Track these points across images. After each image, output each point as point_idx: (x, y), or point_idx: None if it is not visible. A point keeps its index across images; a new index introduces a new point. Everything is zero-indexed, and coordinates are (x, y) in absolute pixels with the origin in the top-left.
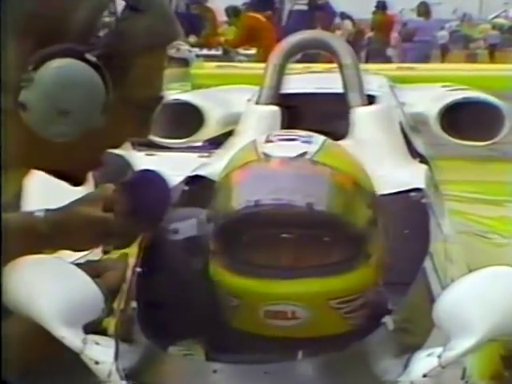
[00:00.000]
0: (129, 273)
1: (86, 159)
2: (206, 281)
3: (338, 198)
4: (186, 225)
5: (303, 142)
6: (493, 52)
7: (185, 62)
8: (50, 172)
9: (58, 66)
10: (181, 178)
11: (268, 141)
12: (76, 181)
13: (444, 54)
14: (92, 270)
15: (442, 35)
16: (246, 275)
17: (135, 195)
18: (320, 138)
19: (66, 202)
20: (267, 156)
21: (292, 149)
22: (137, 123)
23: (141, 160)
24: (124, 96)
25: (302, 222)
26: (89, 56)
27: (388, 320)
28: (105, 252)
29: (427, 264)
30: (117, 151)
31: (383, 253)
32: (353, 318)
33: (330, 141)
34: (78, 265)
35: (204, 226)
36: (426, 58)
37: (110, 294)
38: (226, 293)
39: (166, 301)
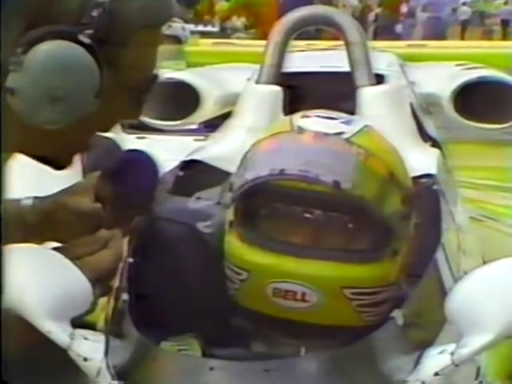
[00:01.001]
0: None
1: (73, 143)
2: (206, 269)
3: (369, 182)
4: (207, 193)
5: (342, 122)
6: (505, 28)
7: (176, 40)
8: (32, 156)
9: (50, 49)
10: (175, 163)
11: (305, 116)
12: (60, 165)
13: (464, 30)
14: (83, 246)
15: (464, 11)
16: (259, 247)
17: (120, 179)
18: (361, 122)
19: (54, 188)
20: (301, 129)
21: (329, 126)
22: (129, 104)
23: (131, 143)
24: (117, 77)
25: (326, 201)
26: (82, 37)
27: (397, 314)
28: None
29: (439, 255)
30: (106, 134)
31: (410, 255)
32: (367, 314)
33: (371, 127)
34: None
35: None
36: (439, 36)
37: (107, 276)
38: (236, 265)
39: (159, 292)
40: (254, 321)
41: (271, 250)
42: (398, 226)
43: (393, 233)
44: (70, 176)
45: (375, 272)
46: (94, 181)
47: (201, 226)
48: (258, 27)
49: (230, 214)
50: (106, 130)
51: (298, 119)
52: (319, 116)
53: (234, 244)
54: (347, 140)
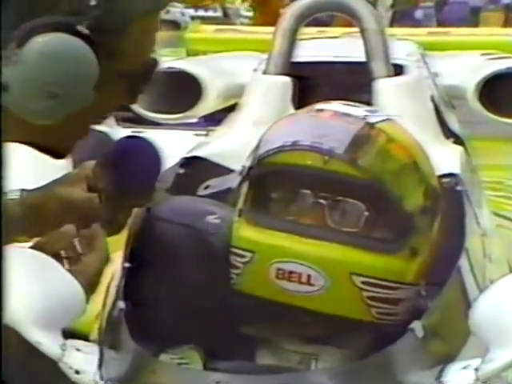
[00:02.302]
0: (114, 266)
1: (72, 131)
2: (208, 275)
3: (388, 166)
4: (216, 181)
5: (367, 110)
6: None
7: (175, 25)
8: (31, 145)
9: (47, 42)
10: (175, 160)
11: (328, 102)
12: (59, 153)
13: (507, 17)
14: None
15: None
16: (264, 228)
17: (119, 166)
18: (386, 114)
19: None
20: (320, 109)
21: (352, 110)
22: (127, 93)
23: None
24: (115, 66)
25: (340, 179)
26: (80, 28)
27: (417, 326)
28: None
29: (463, 262)
30: (99, 127)
31: (432, 259)
32: (378, 310)
33: (395, 120)
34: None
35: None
36: (465, 22)
37: (94, 282)
38: (240, 248)
39: (158, 300)
40: (256, 310)
41: (277, 230)
42: (418, 220)
43: (412, 227)
44: (63, 167)
45: (389, 265)
46: (86, 171)
47: (210, 218)
48: (265, 12)
49: (239, 203)
50: (104, 118)
51: (319, 104)
52: (342, 103)
53: (241, 229)
54: (369, 123)
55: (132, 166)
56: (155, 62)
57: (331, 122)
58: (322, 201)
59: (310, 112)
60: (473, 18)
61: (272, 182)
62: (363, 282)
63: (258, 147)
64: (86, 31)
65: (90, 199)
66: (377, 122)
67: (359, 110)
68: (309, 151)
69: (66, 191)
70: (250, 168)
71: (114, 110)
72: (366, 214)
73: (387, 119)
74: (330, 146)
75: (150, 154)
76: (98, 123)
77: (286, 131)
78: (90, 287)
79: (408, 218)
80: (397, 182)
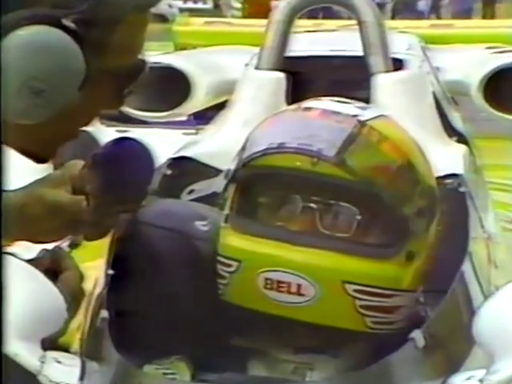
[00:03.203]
0: (97, 273)
1: (54, 134)
2: (196, 281)
3: (381, 166)
4: (201, 185)
5: (358, 107)
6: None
7: (161, 18)
8: (13, 148)
9: (29, 35)
10: (161, 161)
11: (316, 99)
12: (42, 158)
13: None
14: (48, 266)
15: None
16: (251, 235)
17: (112, 170)
18: (379, 110)
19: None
20: (308, 107)
21: (342, 107)
22: (113, 94)
23: (110, 137)
24: (103, 64)
25: (330, 182)
26: (66, 22)
27: (417, 335)
28: (72, 245)
29: (466, 267)
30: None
31: (431, 264)
32: (373, 319)
33: (390, 117)
34: (29, 261)
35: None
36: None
37: (73, 301)
38: (225, 256)
39: (143, 309)
40: (245, 321)
41: (264, 237)
42: (414, 223)
43: (408, 230)
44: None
45: (383, 271)
46: (72, 171)
47: (198, 224)
48: (254, 2)
49: (226, 208)
50: (89, 121)
51: (308, 102)
52: (333, 100)
53: (227, 236)
54: (359, 121)
55: (124, 169)
56: (143, 63)
57: (319, 122)
58: (311, 205)
59: (297, 111)
60: (487, 10)
61: (259, 186)
62: (356, 291)
63: (243, 149)
64: (73, 25)
65: (76, 202)
66: (368, 120)
67: (350, 107)
68: (296, 154)
69: (50, 193)
70: (236, 171)
71: (99, 114)
72: (359, 217)
73: (380, 116)
74: (318, 147)
75: (143, 156)
76: (83, 126)
77: (272, 132)
78: (74, 303)
79: (403, 221)
80: (390, 184)
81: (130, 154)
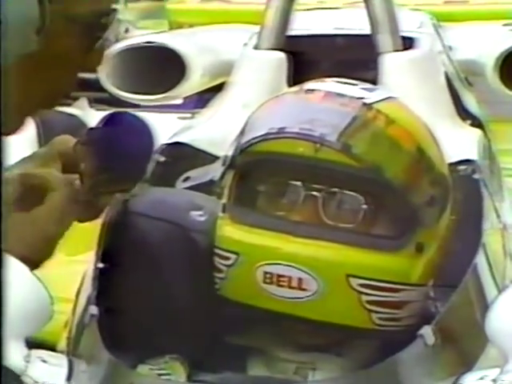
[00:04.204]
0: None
1: (21, 100)
2: (192, 276)
3: (388, 152)
4: (197, 172)
5: (364, 88)
6: None
7: None
8: None
9: None
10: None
11: (320, 81)
12: (5, 130)
13: None
14: (35, 183)
15: None
16: (249, 226)
17: (109, 146)
18: (387, 92)
19: None
20: (311, 89)
21: (347, 89)
22: (80, 45)
23: None
24: (64, 10)
25: (334, 168)
26: None
27: (427, 331)
28: None
29: (479, 259)
30: (69, 110)
31: (442, 256)
32: (379, 315)
33: (399, 99)
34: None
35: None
36: None
37: (57, 226)
38: (223, 249)
39: (135, 305)
40: (243, 317)
41: (263, 228)
42: (424, 212)
43: (417, 220)
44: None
45: (391, 264)
46: (61, 147)
47: (195, 214)
48: None
49: (223, 197)
50: (67, 86)
51: (310, 83)
52: (337, 81)
53: (225, 227)
54: (365, 104)
55: (123, 146)
56: (111, 11)
57: (322, 105)
58: (314, 193)
59: (299, 93)
60: None
61: (258, 174)
62: (362, 285)
63: (242, 134)
64: None
65: (68, 181)
66: (375, 102)
67: (355, 89)
68: (297, 139)
69: (40, 172)
70: (234, 157)
71: (72, 75)
72: (365, 207)
73: (387, 98)
74: (320, 132)
75: (142, 132)
76: (65, 111)
77: (272, 116)
78: (61, 227)
79: (412, 211)
80: (398, 170)
81: (128, 129)
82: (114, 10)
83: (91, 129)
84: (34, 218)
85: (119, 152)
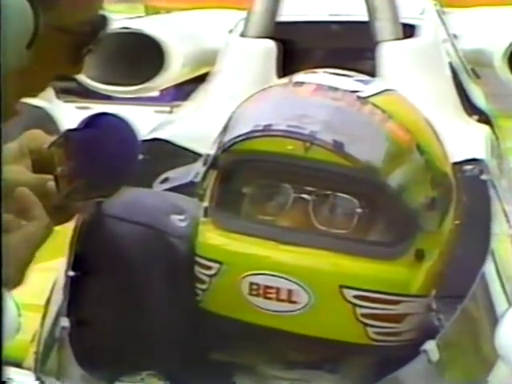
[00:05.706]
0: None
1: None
2: (171, 285)
3: (384, 151)
4: (177, 172)
5: (358, 80)
6: None
7: None
8: None
9: None
10: None
11: (310, 72)
12: None
13: None
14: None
15: None
16: (233, 232)
17: (90, 150)
18: (384, 84)
19: None
20: (300, 82)
21: (340, 82)
22: (68, 55)
23: (69, 114)
24: (55, 21)
25: (326, 169)
26: None
27: (431, 347)
28: None
29: (488, 268)
30: (34, 101)
31: (447, 264)
32: (376, 330)
33: (397, 91)
34: None
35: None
36: None
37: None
38: (204, 258)
39: (109, 317)
40: (227, 332)
41: (249, 235)
42: (424, 216)
43: (416, 225)
44: None
45: (389, 273)
46: (31, 144)
47: (175, 218)
48: None
49: (205, 200)
50: (40, 90)
51: (300, 75)
52: (329, 72)
53: (206, 233)
54: (360, 97)
55: (106, 149)
56: (104, 20)
57: (313, 99)
58: (304, 196)
59: (287, 86)
60: None
61: (242, 175)
62: (356, 297)
63: (224, 130)
64: None
65: (41, 182)
66: (371, 96)
67: (349, 81)
68: (285, 137)
69: (8, 170)
70: (216, 156)
71: (51, 80)
72: (359, 211)
73: (385, 91)
74: (310, 129)
75: (126, 136)
76: (35, 95)
77: (257, 112)
78: (30, 260)
79: (411, 214)
80: (395, 171)
81: (111, 133)
82: (105, 19)
83: (70, 130)
84: (7, 245)
85: (101, 157)
